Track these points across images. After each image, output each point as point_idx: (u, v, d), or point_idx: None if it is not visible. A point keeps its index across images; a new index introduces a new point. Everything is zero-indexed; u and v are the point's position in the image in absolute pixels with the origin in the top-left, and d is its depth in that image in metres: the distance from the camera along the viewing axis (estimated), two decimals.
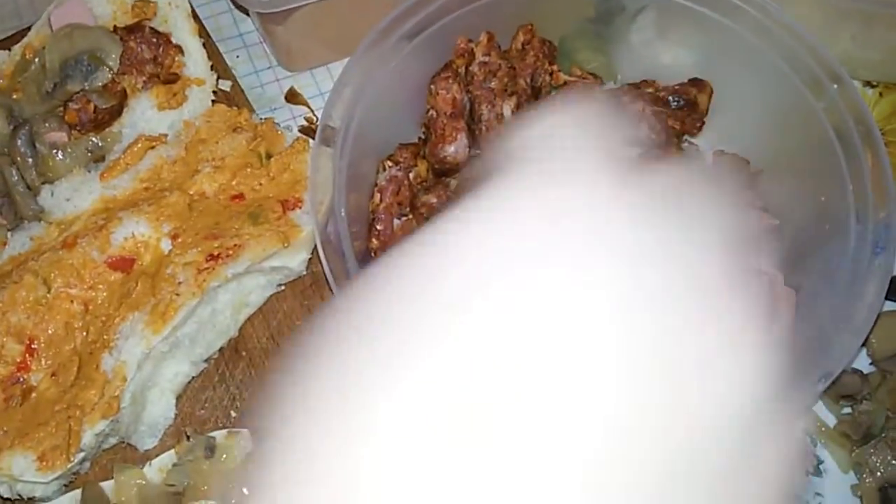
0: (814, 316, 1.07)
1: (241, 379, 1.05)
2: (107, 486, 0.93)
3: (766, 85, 1.17)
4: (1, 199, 1.04)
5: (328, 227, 1.01)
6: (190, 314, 0.99)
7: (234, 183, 1.07)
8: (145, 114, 1.11)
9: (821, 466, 1.09)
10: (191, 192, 1.05)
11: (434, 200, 1.15)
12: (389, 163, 1.18)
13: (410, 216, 1.17)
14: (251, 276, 1.04)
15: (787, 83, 1.14)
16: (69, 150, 1.05)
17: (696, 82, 1.25)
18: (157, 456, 0.96)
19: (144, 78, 1.10)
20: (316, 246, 1.02)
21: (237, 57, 1.32)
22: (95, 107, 1.06)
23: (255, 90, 1.29)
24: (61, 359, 0.98)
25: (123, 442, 1.01)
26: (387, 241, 1.14)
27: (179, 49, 1.12)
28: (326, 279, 1.00)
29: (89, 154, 1.07)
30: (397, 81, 1.16)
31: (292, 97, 1.30)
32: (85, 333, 0.99)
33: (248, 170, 1.07)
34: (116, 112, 1.08)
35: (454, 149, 1.19)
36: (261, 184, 1.07)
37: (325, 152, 1.05)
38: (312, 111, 1.29)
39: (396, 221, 1.16)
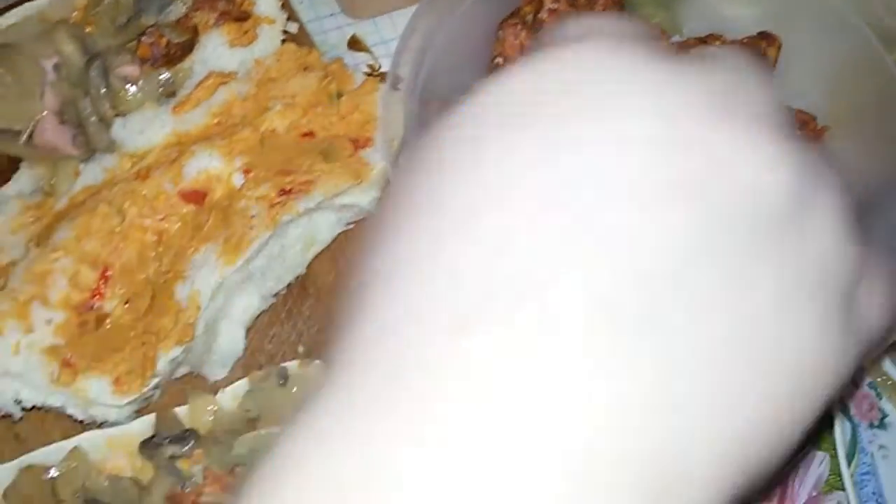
0: None
1: (308, 315, 1.05)
2: (180, 411, 0.94)
3: (836, 39, 1.16)
4: (74, 130, 1.05)
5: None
6: (262, 247, 0.99)
7: (304, 121, 1.07)
8: (216, 50, 1.11)
9: (885, 420, 1.08)
10: (261, 130, 1.06)
11: None
12: None
13: None
14: (321, 213, 1.04)
15: (858, 36, 1.13)
16: (141, 83, 1.06)
17: (764, 36, 1.24)
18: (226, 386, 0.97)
19: (216, 14, 1.10)
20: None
21: (300, 3, 1.31)
22: (168, 41, 1.06)
23: (317, 37, 1.29)
24: (135, 287, 0.98)
25: (193, 372, 1.02)
26: None
27: None
28: None
29: (160, 89, 1.07)
30: (464, 29, 1.16)
31: (354, 44, 1.30)
32: (158, 263, 0.99)
33: (319, 108, 1.07)
34: (188, 47, 1.08)
35: None
36: (331, 122, 1.07)
37: (396, 94, 1.05)
38: (375, 59, 1.29)
39: None
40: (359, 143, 1.06)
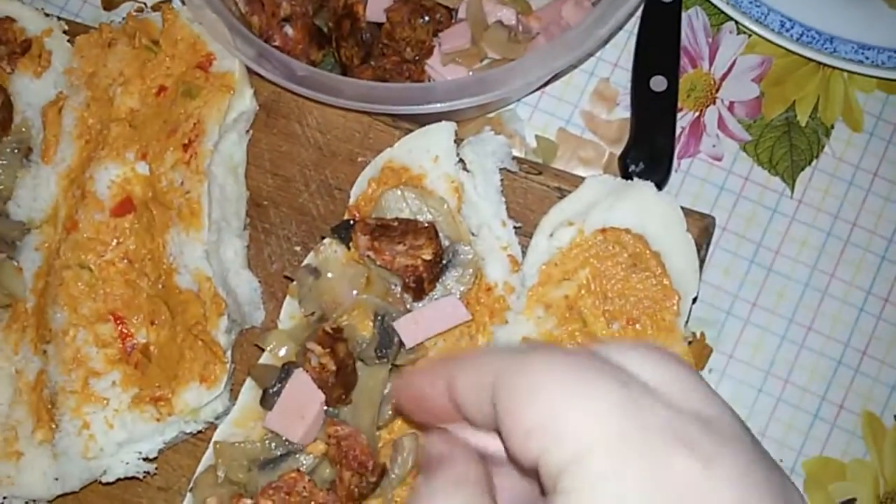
0: None
1: (279, 221, 1.12)
2: (264, 360, 1.01)
3: None
4: None
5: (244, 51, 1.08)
6: (209, 199, 1.04)
7: (147, 83, 1.09)
8: (30, 87, 1.11)
9: None
10: (123, 117, 1.08)
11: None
12: None
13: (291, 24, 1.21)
14: (224, 138, 1.08)
15: None
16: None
17: None
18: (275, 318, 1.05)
19: (4, 62, 1.09)
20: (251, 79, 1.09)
21: (46, 3, 1.29)
22: None
23: (85, 16, 1.28)
24: (147, 308, 1.03)
25: (242, 330, 1.08)
26: (291, 48, 1.19)
27: (10, 19, 1.11)
28: (271, 106, 1.09)
29: (17, 153, 1.08)
30: None
31: (108, 5, 1.30)
32: (146, 278, 1.04)
33: (149, 64, 1.09)
34: (8, 105, 1.08)
35: None
36: (168, 67, 1.10)
37: (194, 4, 1.09)
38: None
39: (287, 30, 1.20)
40: (204, 64, 1.09)
